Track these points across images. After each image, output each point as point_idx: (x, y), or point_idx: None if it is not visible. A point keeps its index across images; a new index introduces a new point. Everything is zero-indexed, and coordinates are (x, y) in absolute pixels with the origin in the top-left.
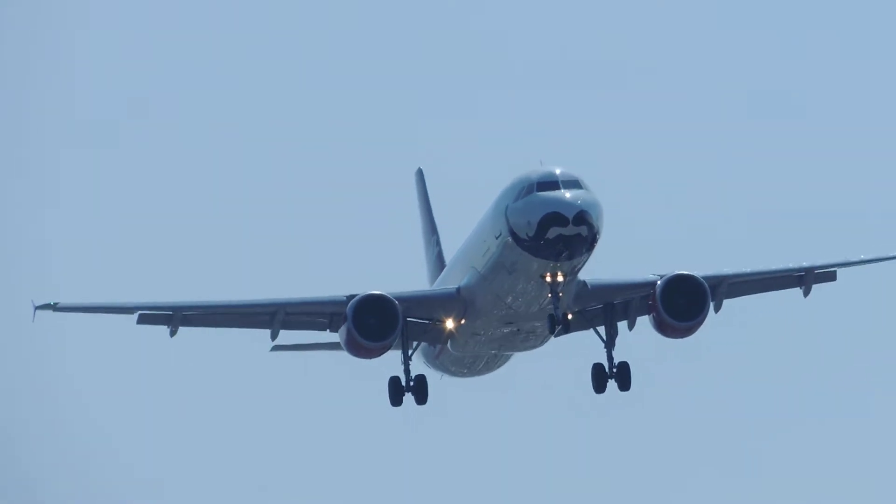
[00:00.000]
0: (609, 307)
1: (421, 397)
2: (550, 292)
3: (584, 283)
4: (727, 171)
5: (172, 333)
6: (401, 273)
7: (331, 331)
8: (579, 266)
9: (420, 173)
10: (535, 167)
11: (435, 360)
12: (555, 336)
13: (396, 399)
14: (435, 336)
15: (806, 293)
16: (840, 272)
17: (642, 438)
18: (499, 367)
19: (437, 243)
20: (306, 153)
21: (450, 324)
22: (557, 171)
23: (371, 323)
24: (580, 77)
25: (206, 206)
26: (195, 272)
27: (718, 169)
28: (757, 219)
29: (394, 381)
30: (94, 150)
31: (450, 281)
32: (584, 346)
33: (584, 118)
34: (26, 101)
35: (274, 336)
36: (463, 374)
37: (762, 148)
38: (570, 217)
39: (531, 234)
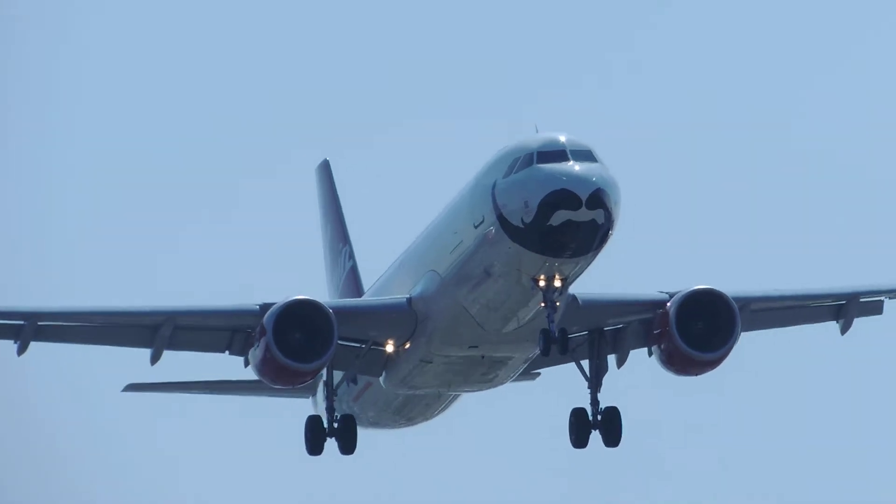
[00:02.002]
0: (597, 335)
1: (348, 444)
2: (544, 301)
3: (573, 297)
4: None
5: (21, 350)
6: (290, 292)
7: (230, 353)
8: (583, 268)
9: (326, 166)
10: (531, 135)
11: (353, 403)
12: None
13: (315, 446)
14: (368, 364)
15: (844, 329)
16: (890, 304)
17: None
18: (436, 414)
19: (351, 256)
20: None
21: (391, 347)
22: (563, 139)
23: (296, 339)
24: None
25: (69, 200)
26: (51, 276)
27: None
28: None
29: (312, 423)
30: None
31: (390, 292)
32: (559, 387)
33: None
34: None
35: (155, 358)
36: (387, 424)
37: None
38: (584, 197)
39: (528, 220)
